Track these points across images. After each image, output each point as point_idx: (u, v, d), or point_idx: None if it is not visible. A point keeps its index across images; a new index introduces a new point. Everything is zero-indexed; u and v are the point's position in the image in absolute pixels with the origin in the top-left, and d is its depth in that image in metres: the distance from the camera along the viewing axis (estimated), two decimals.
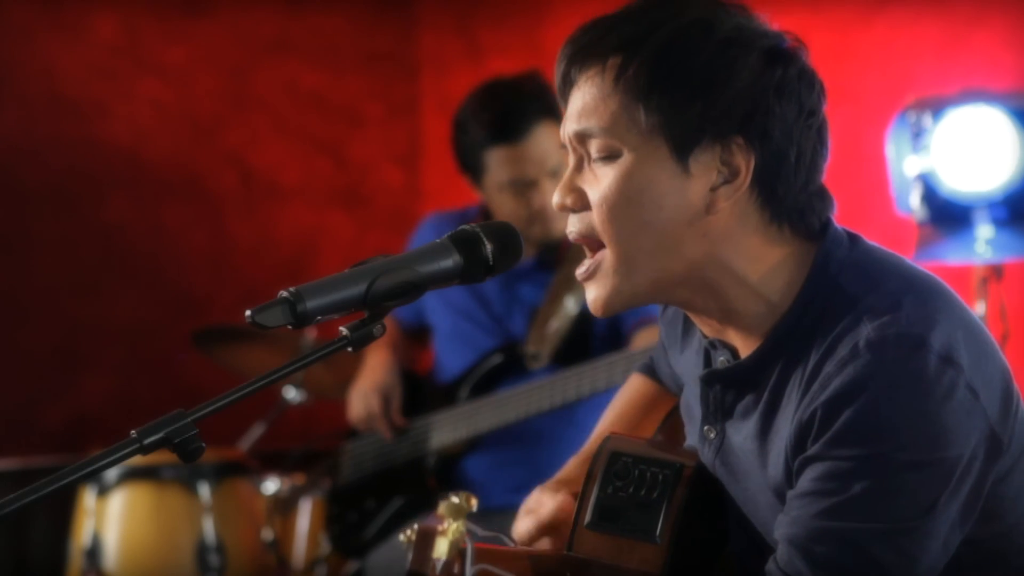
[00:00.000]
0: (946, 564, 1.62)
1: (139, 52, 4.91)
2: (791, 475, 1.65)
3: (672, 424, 1.98)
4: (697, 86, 1.63)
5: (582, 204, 1.70)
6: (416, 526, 1.58)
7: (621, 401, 2.09)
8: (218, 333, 4.10)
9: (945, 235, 3.52)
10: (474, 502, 1.61)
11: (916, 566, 1.58)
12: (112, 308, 4.84)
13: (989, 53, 3.99)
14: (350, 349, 1.59)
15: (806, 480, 1.61)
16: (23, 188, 4.71)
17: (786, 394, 1.66)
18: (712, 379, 1.75)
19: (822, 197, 1.71)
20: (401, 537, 1.59)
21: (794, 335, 1.66)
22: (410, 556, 1.55)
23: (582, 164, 1.71)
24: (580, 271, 1.73)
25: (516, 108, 3.33)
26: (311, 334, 3.82)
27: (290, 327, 1.54)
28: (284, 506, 3.97)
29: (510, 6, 5.18)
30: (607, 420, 2.07)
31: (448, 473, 3.51)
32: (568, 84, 1.71)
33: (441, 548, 1.54)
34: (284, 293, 1.54)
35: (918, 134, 3.49)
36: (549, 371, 3.39)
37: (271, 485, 3.93)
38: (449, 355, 3.58)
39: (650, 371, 2.10)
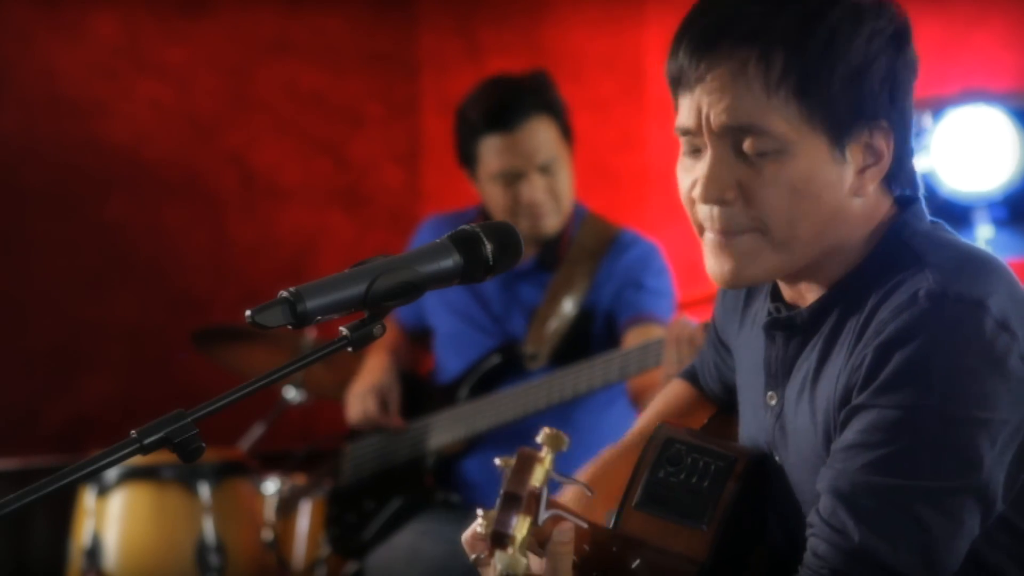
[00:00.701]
0: (985, 547, 1.62)
1: (139, 52, 4.91)
2: (835, 423, 1.65)
3: (715, 428, 1.98)
4: (851, 79, 1.65)
5: (739, 197, 1.69)
6: (518, 449, 1.59)
7: (662, 402, 2.10)
8: (218, 333, 4.10)
9: None
10: (567, 441, 1.61)
11: (959, 528, 1.58)
12: (112, 308, 4.84)
13: (989, 53, 3.99)
14: (350, 349, 1.59)
15: (852, 431, 1.61)
16: (23, 188, 4.71)
17: (839, 341, 1.68)
18: (774, 327, 1.76)
19: (917, 171, 1.77)
20: (497, 461, 1.59)
21: (855, 284, 1.69)
22: (508, 477, 1.55)
23: (729, 156, 1.69)
24: (720, 240, 1.71)
25: (513, 99, 3.36)
26: (311, 334, 3.82)
27: (290, 327, 1.54)
28: (284, 506, 3.97)
29: (510, 6, 5.18)
30: (647, 418, 2.08)
31: (447, 473, 3.51)
32: (709, 64, 1.67)
33: (538, 475, 1.55)
34: (284, 293, 1.54)
35: (918, 134, 3.49)
36: (547, 371, 3.39)
37: (271, 485, 3.93)
38: (449, 356, 3.58)
39: (691, 377, 2.10)
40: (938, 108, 3.50)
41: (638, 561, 1.72)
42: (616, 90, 4.79)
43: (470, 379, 3.49)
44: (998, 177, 3.48)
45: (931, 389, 1.56)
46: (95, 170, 4.82)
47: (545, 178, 3.37)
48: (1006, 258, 3.56)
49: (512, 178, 3.36)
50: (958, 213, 3.50)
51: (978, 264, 1.66)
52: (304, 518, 4.06)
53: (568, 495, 1.98)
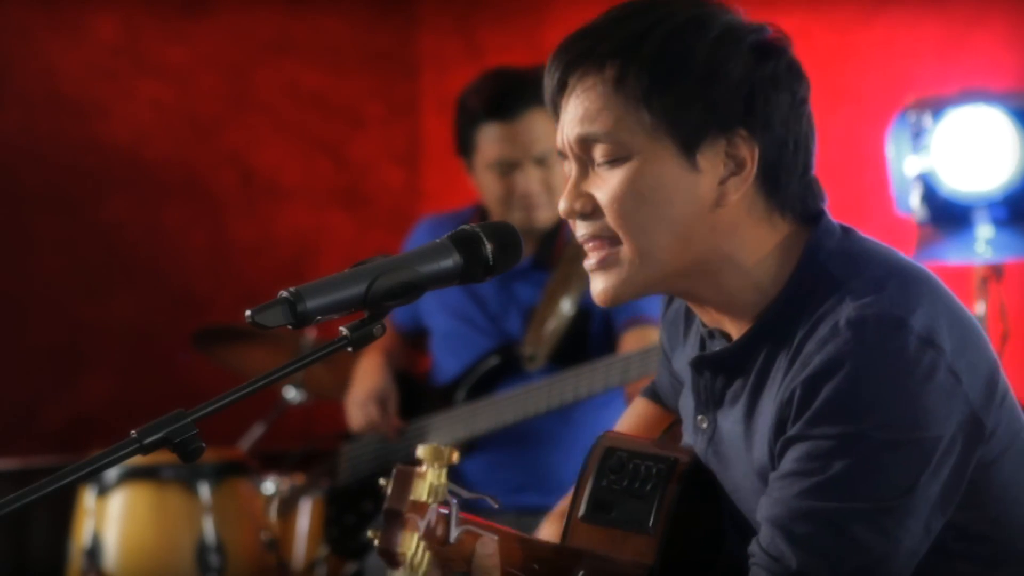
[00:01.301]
0: (933, 550, 1.62)
1: (139, 52, 4.91)
2: (773, 457, 1.66)
3: (672, 435, 1.98)
4: (696, 84, 1.65)
5: (592, 208, 1.71)
6: (396, 467, 1.59)
7: (626, 420, 2.11)
8: (218, 333, 4.10)
9: (945, 235, 3.52)
10: (456, 455, 1.60)
11: (897, 547, 1.58)
12: (112, 308, 4.84)
13: (989, 53, 3.99)
14: (350, 349, 1.59)
15: (787, 461, 1.62)
16: (23, 188, 4.71)
17: (771, 376, 1.68)
18: (701, 364, 1.77)
19: (816, 186, 1.74)
20: (381, 481, 1.59)
21: (781, 319, 1.69)
22: (388, 494, 1.56)
23: (587, 170, 1.72)
24: (590, 262, 1.73)
25: (514, 89, 3.37)
26: (311, 334, 3.82)
27: (290, 327, 1.54)
28: (284, 506, 3.97)
29: (510, 6, 5.18)
30: None
31: (450, 473, 3.50)
32: (563, 90, 1.73)
33: (419, 490, 1.54)
34: (284, 293, 1.54)
35: (918, 134, 3.49)
36: (546, 372, 3.39)
37: (271, 485, 3.93)
38: (446, 357, 3.57)
39: (652, 395, 2.11)
40: (938, 108, 3.49)
41: (582, 572, 1.72)
42: None
43: (468, 380, 3.49)
44: (998, 177, 3.48)
45: (861, 416, 1.57)
46: (95, 170, 4.82)
47: (541, 170, 3.37)
48: (1006, 258, 3.56)
49: (508, 168, 3.37)
50: (958, 213, 3.50)
51: (898, 281, 1.64)
52: (304, 518, 4.06)
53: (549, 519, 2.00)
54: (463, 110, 3.44)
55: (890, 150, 3.58)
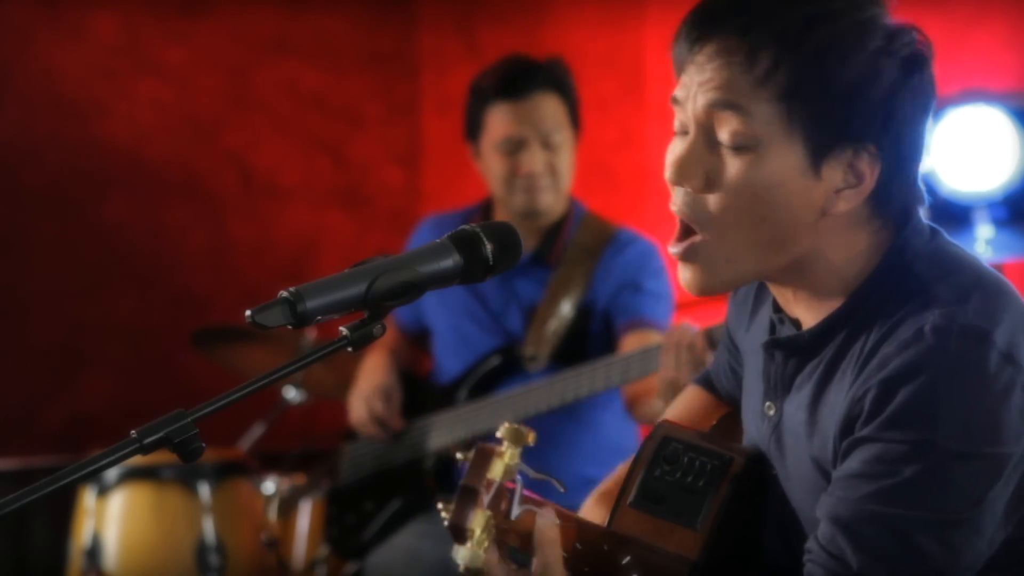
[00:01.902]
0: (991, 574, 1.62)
1: (139, 52, 4.91)
2: (837, 452, 1.64)
3: (726, 427, 1.98)
4: (844, 94, 1.62)
5: (704, 185, 1.67)
6: (477, 444, 1.59)
7: (676, 408, 2.09)
8: (218, 333, 4.10)
9: None
10: (532, 436, 1.60)
11: (960, 560, 1.58)
12: (112, 308, 4.84)
13: (989, 53, 3.99)
14: (350, 349, 1.59)
15: (855, 461, 1.60)
16: (23, 188, 4.71)
17: (841, 368, 1.67)
18: (773, 346, 1.76)
19: (919, 191, 1.72)
20: (459, 455, 1.60)
21: (858, 312, 1.67)
22: (466, 470, 1.56)
23: (709, 143, 1.67)
24: (676, 249, 1.70)
25: (527, 71, 3.42)
26: (311, 334, 3.82)
27: (290, 327, 1.54)
28: (284, 506, 3.97)
29: (510, 6, 5.18)
30: None
31: (447, 474, 3.51)
32: (702, 45, 1.66)
33: (496, 469, 1.55)
34: (284, 293, 1.54)
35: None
36: (547, 372, 3.39)
37: (271, 485, 3.93)
38: (448, 355, 3.58)
39: (706, 383, 2.10)
40: (938, 108, 3.49)
41: (628, 558, 1.72)
42: (616, 90, 4.79)
43: (469, 380, 3.49)
44: (998, 177, 3.48)
45: (936, 425, 1.55)
46: (95, 170, 4.82)
47: (547, 153, 3.39)
48: (1006, 258, 3.56)
49: (514, 147, 3.38)
50: (958, 213, 3.50)
51: (983, 292, 1.63)
52: (304, 518, 4.06)
53: (589, 500, 2.00)
54: (475, 92, 3.47)
55: None
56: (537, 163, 3.38)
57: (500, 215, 3.49)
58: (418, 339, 3.71)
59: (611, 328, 3.41)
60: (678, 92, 1.70)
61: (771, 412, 1.78)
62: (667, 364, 2.87)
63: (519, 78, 3.40)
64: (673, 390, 2.62)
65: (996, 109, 3.49)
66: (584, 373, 3.23)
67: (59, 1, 4.78)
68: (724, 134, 1.65)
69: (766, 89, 1.62)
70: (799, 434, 1.72)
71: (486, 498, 1.57)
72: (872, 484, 1.58)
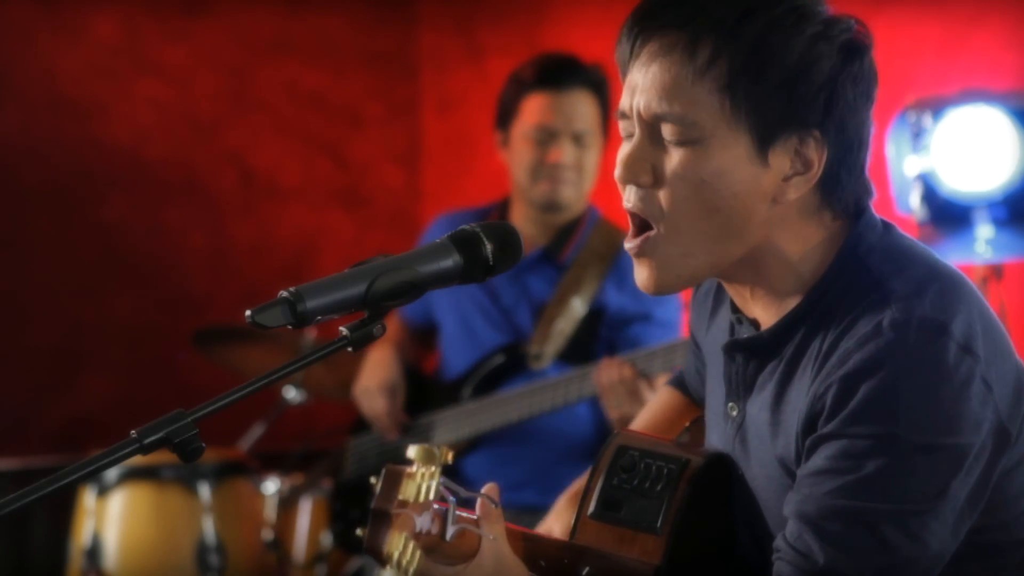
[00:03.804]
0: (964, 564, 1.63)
1: (139, 52, 4.91)
2: (800, 449, 1.65)
3: (697, 429, 1.98)
4: (785, 80, 1.63)
5: (653, 181, 1.68)
6: (385, 466, 1.59)
7: (648, 412, 2.10)
8: (218, 333, 4.10)
9: (945, 235, 3.52)
10: (450, 456, 1.60)
11: (926, 549, 1.59)
12: (112, 308, 4.83)
13: (989, 53, 3.99)
14: (350, 349, 1.59)
15: (820, 458, 1.61)
16: (23, 188, 4.71)
17: (801, 366, 1.68)
18: (734, 348, 1.76)
19: (867, 183, 1.73)
20: (372, 480, 1.59)
21: (816, 309, 1.68)
22: (376, 493, 1.56)
23: (654, 140, 1.68)
24: (631, 245, 1.72)
25: (570, 66, 3.46)
26: (311, 334, 3.82)
27: (290, 327, 1.54)
28: (284, 506, 3.97)
29: (510, 6, 5.18)
30: (635, 428, 2.08)
31: (451, 472, 3.50)
32: (643, 43, 1.68)
33: (408, 490, 1.54)
34: (284, 293, 1.54)
35: (918, 134, 3.49)
36: (552, 371, 3.40)
37: (271, 485, 3.93)
38: (455, 351, 3.58)
39: (679, 384, 2.10)
40: (938, 108, 3.50)
41: (587, 569, 1.72)
42: (616, 90, 4.79)
43: (474, 378, 3.49)
44: (998, 177, 3.48)
45: (898, 418, 1.57)
46: (95, 170, 4.82)
47: (576, 148, 3.41)
48: (1006, 258, 3.56)
49: (546, 136, 3.40)
50: (958, 213, 3.50)
51: (939, 284, 1.64)
52: (304, 517, 4.06)
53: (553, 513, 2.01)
54: (513, 80, 3.49)
55: (890, 150, 3.58)
56: (566, 155, 3.40)
57: (518, 213, 3.50)
58: (424, 334, 3.71)
59: (618, 333, 3.43)
60: (623, 104, 1.72)
61: (734, 413, 1.78)
62: (610, 404, 3.01)
63: (561, 71, 3.43)
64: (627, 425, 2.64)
65: (996, 109, 3.49)
66: (589, 373, 3.23)
67: (59, 1, 4.78)
68: (668, 131, 1.67)
69: (708, 80, 1.64)
70: (763, 435, 1.73)
71: (410, 521, 1.55)
72: (837, 479, 1.59)
